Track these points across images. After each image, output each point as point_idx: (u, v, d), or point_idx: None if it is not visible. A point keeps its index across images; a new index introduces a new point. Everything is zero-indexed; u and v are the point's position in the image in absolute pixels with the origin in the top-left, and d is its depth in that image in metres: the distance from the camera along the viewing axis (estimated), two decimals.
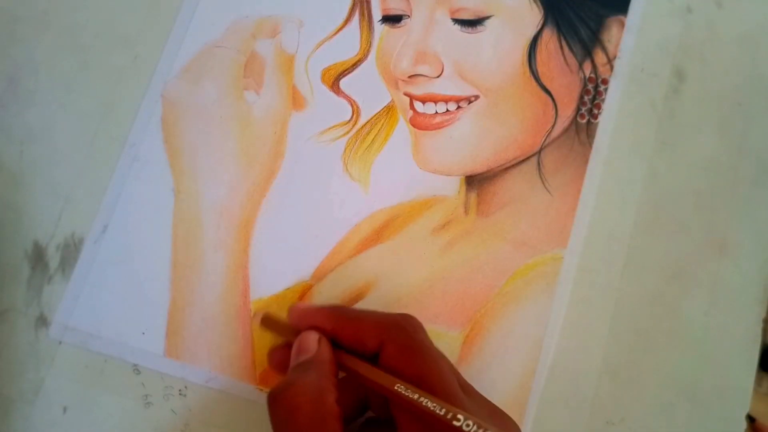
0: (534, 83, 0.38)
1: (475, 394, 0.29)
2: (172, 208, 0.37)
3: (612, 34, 0.39)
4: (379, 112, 0.38)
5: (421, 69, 0.38)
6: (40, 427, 0.35)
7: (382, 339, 0.29)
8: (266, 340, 0.35)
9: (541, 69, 0.38)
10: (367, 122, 0.38)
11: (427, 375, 0.27)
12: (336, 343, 0.30)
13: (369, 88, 0.39)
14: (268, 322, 0.33)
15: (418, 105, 0.38)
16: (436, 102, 0.38)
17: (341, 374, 0.29)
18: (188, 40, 0.39)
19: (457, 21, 0.38)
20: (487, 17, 0.38)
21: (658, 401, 0.35)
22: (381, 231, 0.37)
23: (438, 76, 0.38)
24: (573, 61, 0.38)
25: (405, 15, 0.39)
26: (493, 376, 0.35)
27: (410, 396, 0.27)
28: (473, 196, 0.37)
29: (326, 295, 0.36)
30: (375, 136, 0.38)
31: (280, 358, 0.31)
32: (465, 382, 0.30)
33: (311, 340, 0.29)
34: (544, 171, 0.37)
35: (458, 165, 0.37)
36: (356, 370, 0.29)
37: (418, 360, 0.28)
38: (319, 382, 0.27)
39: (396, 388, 0.27)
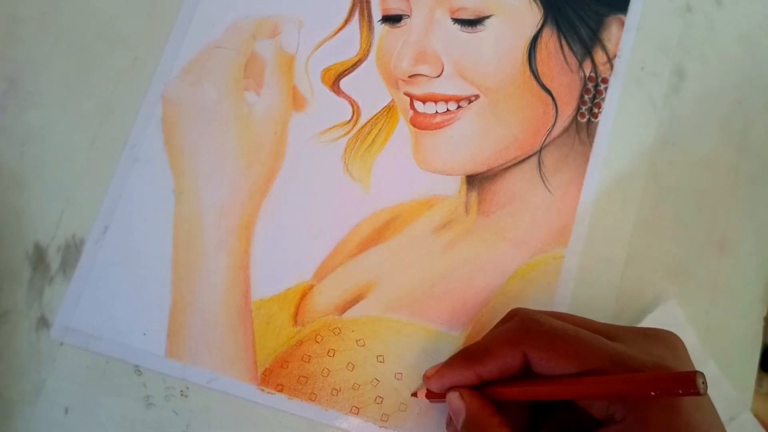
0: (534, 82, 0.38)
1: (623, 331, 0.29)
2: (173, 208, 0.37)
3: (612, 33, 0.39)
4: (380, 112, 0.38)
5: (422, 69, 0.38)
6: (42, 428, 0.35)
7: (520, 352, 0.28)
8: (268, 340, 0.35)
9: (541, 68, 0.38)
10: (368, 122, 0.38)
11: (584, 358, 0.27)
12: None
13: (369, 88, 0.39)
14: (433, 394, 0.32)
15: (418, 105, 0.38)
16: (436, 102, 0.38)
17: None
18: (188, 41, 0.39)
19: (457, 21, 0.38)
20: (487, 17, 0.38)
21: None
22: (382, 231, 0.37)
23: (438, 76, 0.38)
24: (573, 60, 0.38)
25: (405, 15, 0.39)
26: None
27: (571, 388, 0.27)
28: (474, 195, 0.37)
29: (327, 295, 0.36)
30: (375, 136, 0.38)
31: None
32: (602, 324, 0.29)
33: (455, 400, 0.30)
34: (545, 170, 0.37)
35: (459, 164, 0.37)
36: (514, 398, 0.29)
37: (559, 348, 0.28)
38: None
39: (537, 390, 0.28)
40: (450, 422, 0.32)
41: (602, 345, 0.27)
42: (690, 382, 0.23)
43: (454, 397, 0.30)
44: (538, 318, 0.29)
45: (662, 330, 0.29)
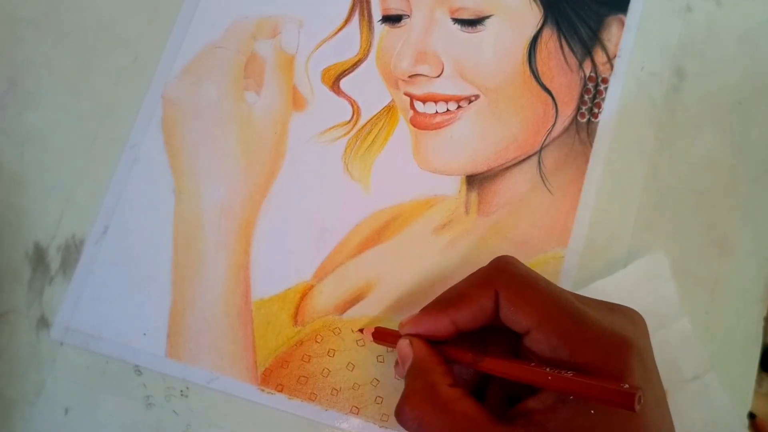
0: (534, 82, 0.38)
1: (590, 301, 0.29)
2: (173, 208, 0.37)
3: (612, 33, 0.39)
4: (380, 112, 0.38)
5: (422, 69, 0.38)
6: (42, 428, 0.35)
7: (492, 291, 0.28)
8: (268, 340, 0.35)
9: (541, 68, 0.38)
10: (368, 122, 0.38)
11: (546, 308, 0.27)
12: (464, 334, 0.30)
13: (369, 88, 0.39)
14: (380, 335, 0.33)
15: (418, 105, 0.38)
16: (436, 102, 0.38)
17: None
18: (188, 41, 0.39)
19: (456, 20, 0.38)
20: (487, 17, 0.38)
21: None
22: (382, 231, 0.37)
23: (438, 76, 0.38)
24: (573, 60, 0.38)
25: (405, 15, 0.39)
26: None
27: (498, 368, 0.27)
28: (474, 195, 0.37)
29: (327, 295, 0.36)
30: (375, 136, 0.38)
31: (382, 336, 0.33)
32: (572, 293, 0.30)
33: (404, 347, 0.30)
34: (545, 170, 0.37)
35: (459, 164, 0.37)
36: (463, 362, 0.29)
37: (526, 293, 0.28)
38: (427, 380, 0.28)
39: (482, 360, 0.28)
40: (397, 365, 0.32)
41: (566, 302, 0.28)
42: (629, 400, 0.23)
43: (404, 344, 0.30)
44: (513, 261, 0.30)
45: (627, 307, 0.29)
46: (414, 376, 0.29)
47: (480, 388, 0.31)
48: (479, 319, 0.29)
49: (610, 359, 0.26)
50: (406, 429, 0.28)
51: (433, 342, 0.30)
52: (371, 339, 0.33)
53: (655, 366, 0.28)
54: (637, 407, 0.23)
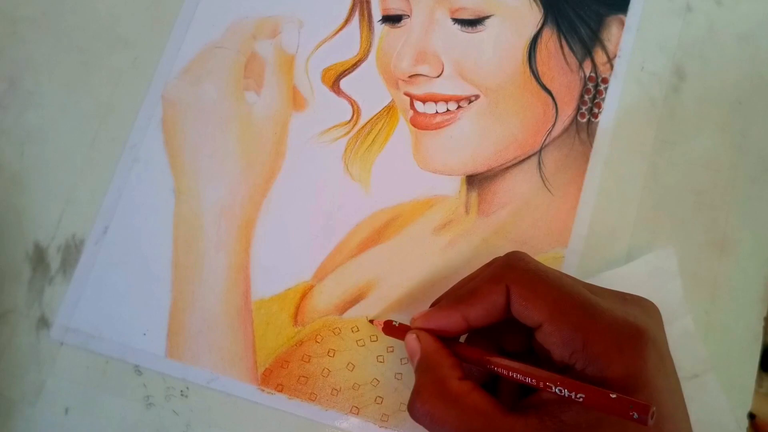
0: (534, 82, 0.38)
1: (603, 291, 0.29)
2: (173, 208, 0.37)
3: (612, 33, 0.39)
4: (380, 112, 0.38)
5: (422, 69, 0.38)
6: (42, 428, 0.35)
7: (504, 287, 0.28)
8: (268, 340, 0.35)
9: (541, 68, 0.38)
10: (368, 122, 0.38)
11: (558, 301, 0.27)
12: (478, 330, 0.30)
13: (369, 88, 0.39)
14: (390, 329, 0.33)
15: (418, 105, 0.38)
16: (436, 102, 0.38)
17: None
18: (188, 41, 0.39)
19: (457, 21, 0.38)
20: (487, 17, 0.38)
21: None
22: (382, 231, 0.37)
23: (438, 76, 0.38)
24: (573, 60, 0.38)
25: (405, 15, 0.39)
26: None
27: (505, 368, 0.27)
28: (474, 195, 0.37)
29: (327, 295, 0.36)
30: (375, 136, 0.38)
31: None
32: (585, 283, 0.30)
33: (411, 341, 0.30)
34: (545, 170, 0.37)
35: (459, 165, 0.37)
36: (471, 360, 0.29)
37: (537, 287, 0.28)
38: (437, 374, 0.28)
39: (491, 361, 0.28)
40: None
41: (578, 293, 0.27)
42: (643, 413, 0.23)
43: (411, 338, 0.30)
44: (523, 257, 0.30)
45: (640, 297, 0.29)
46: (423, 371, 0.29)
47: (493, 380, 0.31)
48: (491, 316, 0.29)
49: (623, 349, 0.26)
50: (419, 424, 0.28)
51: (445, 339, 0.30)
52: (381, 330, 0.33)
53: (669, 355, 0.28)
54: (650, 422, 0.23)
